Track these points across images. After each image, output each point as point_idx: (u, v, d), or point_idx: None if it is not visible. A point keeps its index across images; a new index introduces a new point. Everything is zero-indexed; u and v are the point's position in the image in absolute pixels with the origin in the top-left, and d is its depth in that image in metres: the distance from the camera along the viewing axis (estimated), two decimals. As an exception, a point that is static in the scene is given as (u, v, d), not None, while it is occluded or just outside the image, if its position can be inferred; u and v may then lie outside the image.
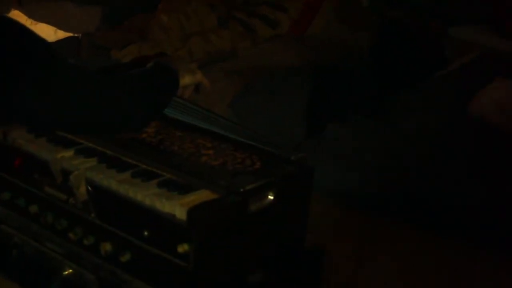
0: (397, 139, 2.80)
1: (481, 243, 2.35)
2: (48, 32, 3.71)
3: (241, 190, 1.54)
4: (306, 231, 1.74)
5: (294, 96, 2.83)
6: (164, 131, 1.84)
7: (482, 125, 2.88)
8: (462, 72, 3.59)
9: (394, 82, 3.42)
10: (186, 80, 1.89)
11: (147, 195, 1.53)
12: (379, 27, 3.71)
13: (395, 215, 2.50)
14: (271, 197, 1.59)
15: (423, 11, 4.10)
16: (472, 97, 3.17)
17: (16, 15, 3.75)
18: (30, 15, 3.74)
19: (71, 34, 3.64)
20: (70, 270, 1.67)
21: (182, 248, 1.44)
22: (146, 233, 1.53)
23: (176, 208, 1.48)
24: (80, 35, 3.37)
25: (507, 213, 2.46)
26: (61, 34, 3.68)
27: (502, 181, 2.62)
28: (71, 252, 1.67)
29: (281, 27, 3.34)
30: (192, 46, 3.09)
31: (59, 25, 3.70)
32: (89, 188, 1.61)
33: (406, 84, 3.43)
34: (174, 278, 1.50)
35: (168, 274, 1.51)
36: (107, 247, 1.60)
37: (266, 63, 3.03)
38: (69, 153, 1.72)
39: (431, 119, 2.98)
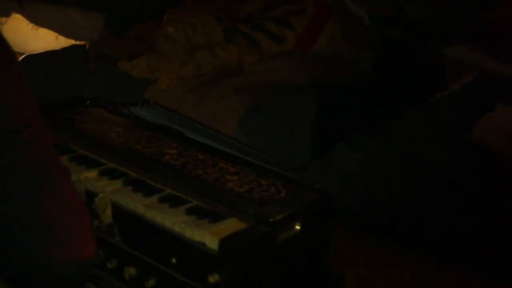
0: (403, 161, 2.81)
1: (484, 273, 2.36)
2: (49, 38, 3.67)
3: (271, 220, 1.53)
4: (327, 258, 1.75)
5: (301, 115, 2.83)
6: (186, 153, 1.84)
7: (485, 152, 2.89)
8: (462, 93, 3.62)
9: (395, 101, 3.43)
10: None
11: (176, 222, 1.52)
12: (380, 46, 3.73)
13: (402, 239, 2.50)
14: (298, 227, 1.60)
15: (419, 31, 4.14)
16: (473, 120, 3.20)
17: (18, 19, 3.71)
18: (32, 20, 3.70)
19: (73, 41, 3.61)
20: (92, 293, 1.65)
21: (213, 278, 1.44)
22: (173, 260, 1.52)
23: (207, 237, 1.47)
24: (87, 43, 3.34)
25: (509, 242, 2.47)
26: (63, 40, 3.64)
27: (505, 208, 2.64)
28: (93, 275, 1.65)
29: (286, 43, 3.35)
30: (200, 60, 3.08)
31: (61, 31, 3.66)
32: (115, 211, 1.60)
33: (407, 104, 3.45)
34: (202, 307, 1.49)
35: (195, 303, 1.50)
36: (131, 271, 1.59)
37: (273, 79, 3.03)
38: (92, 173, 1.71)
39: (435, 141, 2.99)
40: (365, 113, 3.14)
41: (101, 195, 1.61)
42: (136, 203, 1.58)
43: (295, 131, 2.78)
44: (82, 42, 3.51)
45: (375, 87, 3.43)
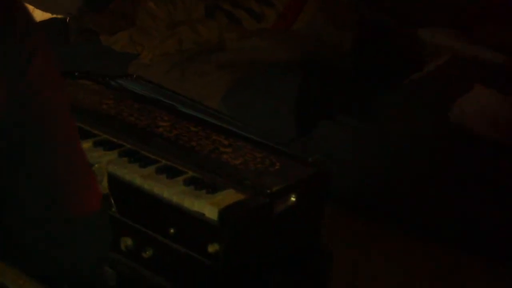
0: (384, 141, 2.85)
1: (470, 251, 2.41)
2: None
3: (268, 191, 1.55)
4: (320, 232, 1.76)
5: (284, 93, 2.84)
6: (179, 125, 1.83)
7: (464, 132, 2.94)
8: (437, 74, 3.67)
9: (373, 82, 3.46)
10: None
11: (174, 193, 1.52)
12: (360, 26, 3.74)
13: (385, 217, 2.55)
14: (293, 199, 1.61)
15: (397, 12, 4.16)
16: (450, 101, 3.24)
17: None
18: (7, -7, 3.61)
19: (49, 15, 3.55)
20: (88, 264, 1.64)
21: (213, 247, 1.44)
22: (171, 230, 1.52)
23: (206, 207, 1.48)
24: (68, 17, 3.29)
25: (492, 219, 2.53)
26: (39, 14, 3.58)
27: (486, 187, 2.69)
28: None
29: (266, 21, 3.35)
30: (181, 35, 3.06)
31: (37, 4, 3.60)
32: (111, 182, 1.59)
33: (384, 84, 3.48)
34: (200, 276, 1.50)
35: (193, 272, 1.51)
36: (127, 242, 1.59)
37: (255, 57, 3.03)
38: (87, 144, 1.70)
39: (415, 121, 3.03)
40: (346, 92, 3.16)
41: (96, 165, 1.60)
42: (133, 174, 1.58)
43: (278, 108, 2.79)
44: (60, 16, 3.46)
45: (354, 67, 3.45)
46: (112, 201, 1.60)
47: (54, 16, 3.52)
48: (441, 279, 2.29)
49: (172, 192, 1.52)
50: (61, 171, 1.06)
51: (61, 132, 1.07)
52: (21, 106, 1.00)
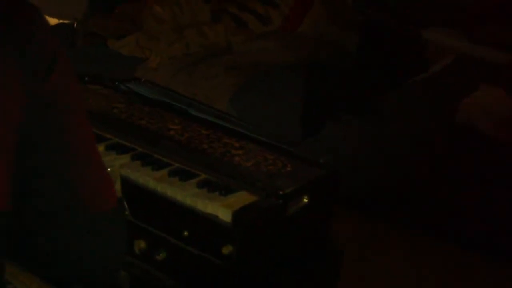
0: (388, 141, 2.86)
1: (475, 250, 2.43)
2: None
3: (280, 193, 1.56)
4: (330, 232, 1.78)
5: (291, 94, 2.86)
6: (190, 128, 1.85)
7: (471, 131, 2.95)
8: (442, 75, 3.68)
9: (377, 82, 3.47)
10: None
11: (188, 195, 1.53)
12: (364, 27, 3.76)
13: (387, 216, 2.56)
14: (305, 200, 1.62)
15: (401, 13, 4.18)
16: (455, 101, 3.26)
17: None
18: (12, -2, 3.62)
19: (56, 20, 3.57)
20: (102, 267, 1.65)
21: (227, 249, 1.46)
22: (185, 232, 1.53)
23: (219, 209, 1.49)
24: (75, 22, 3.31)
25: (494, 219, 2.55)
26: (46, 19, 3.59)
27: (491, 185, 2.70)
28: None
29: (272, 24, 3.36)
30: (188, 39, 3.08)
31: (43, 10, 3.61)
32: (124, 185, 1.60)
33: (387, 84, 3.50)
34: (214, 278, 1.51)
35: (207, 274, 1.52)
36: (141, 245, 1.60)
37: (261, 59, 3.05)
38: (99, 148, 1.70)
39: (416, 122, 3.04)
40: (350, 93, 3.17)
41: (109, 169, 1.61)
42: (146, 177, 1.59)
43: (284, 109, 2.80)
44: (66, 21, 3.48)
45: (359, 68, 3.46)
46: (126, 204, 1.61)
47: (61, 21, 3.54)
48: (445, 278, 2.31)
49: (185, 194, 1.53)
50: (79, 172, 1.08)
51: (80, 134, 1.08)
52: (43, 110, 1.01)
